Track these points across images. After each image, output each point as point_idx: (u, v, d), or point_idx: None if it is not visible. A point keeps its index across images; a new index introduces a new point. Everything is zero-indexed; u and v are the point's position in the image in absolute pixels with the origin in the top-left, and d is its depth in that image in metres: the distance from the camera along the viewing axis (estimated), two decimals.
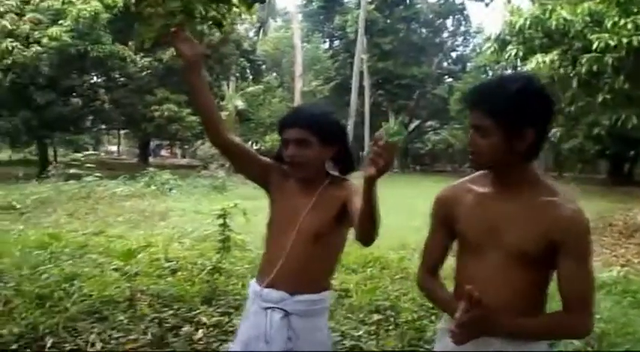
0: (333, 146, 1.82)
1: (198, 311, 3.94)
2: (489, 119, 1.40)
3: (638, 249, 7.74)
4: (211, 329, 3.66)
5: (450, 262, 1.69)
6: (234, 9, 3.66)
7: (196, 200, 12.16)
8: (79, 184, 11.46)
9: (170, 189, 13.45)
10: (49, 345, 3.21)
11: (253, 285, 1.89)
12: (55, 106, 14.80)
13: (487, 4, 31.54)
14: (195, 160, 25.46)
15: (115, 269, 5.02)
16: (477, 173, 1.60)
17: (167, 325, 3.68)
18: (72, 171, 11.52)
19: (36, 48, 13.60)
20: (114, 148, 44.56)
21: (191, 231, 7.56)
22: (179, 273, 4.98)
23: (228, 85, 25.05)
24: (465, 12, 35.21)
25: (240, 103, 23.75)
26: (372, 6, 28.79)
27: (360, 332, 3.65)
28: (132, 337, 3.44)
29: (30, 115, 14.58)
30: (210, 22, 3.10)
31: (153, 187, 13.28)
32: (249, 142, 24.82)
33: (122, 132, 35.55)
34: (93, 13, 13.89)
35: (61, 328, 3.44)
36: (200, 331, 3.60)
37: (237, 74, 25.15)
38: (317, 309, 1.82)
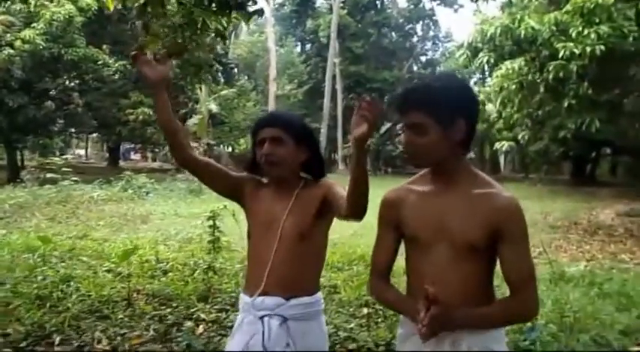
0: (306, 149, 1.84)
1: (195, 308, 4.10)
2: (424, 115, 1.46)
3: (601, 245, 8.17)
4: (210, 324, 3.83)
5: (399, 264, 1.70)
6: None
7: (174, 203, 12.20)
8: (55, 188, 11.40)
9: (147, 193, 13.43)
10: (57, 342, 3.33)
11: (244, 298, 1.85)
12: (28, 110, 14.56)
13: (456, 10, 32.30)
14: (167, 163, 25.29)
15: (108, 271, 5.15)
16: (417, 175, 1.65)
17: (168, 322, 3.83)
18: (49, 175, 11.40)
19: (8, 51, 13.38)
20: (81, 152, 43.74)
21: (175, 233, 7.67)
22: (171, 274, 5.12)
23: (200, 88, 25.00)
24: (434, 17, 36.09)
25: (214, 107, 23.74)
26: (345, 11, 29.18)
27: (352, 325, 3.87)
28: (136, 333, 3.59)
29: (1, 119, 14.32)
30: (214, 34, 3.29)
31: (130, 191, 13.25)
32: (223, 146, 24.85)
33: (90, 135, 35.00)
34: (67, 16, 13.76)
35: (67, 326, 3.57)
36: (201, 326, 3.77)
37: (210, 77, 25.12)
38: (312, 312, 1.81)
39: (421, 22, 36.14)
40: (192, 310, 4.07)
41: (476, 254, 1.48)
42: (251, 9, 3.66)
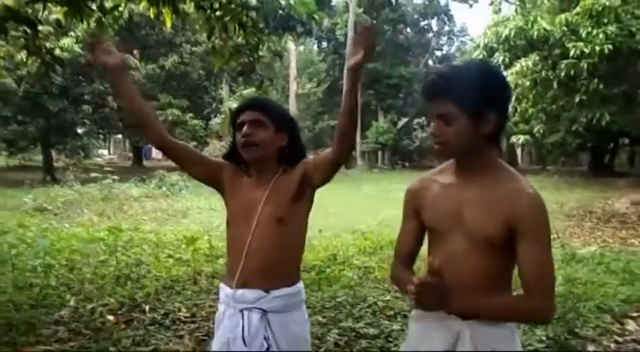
0: (285, 133, 1.80)
1: None
2: (453, 105, 1.40)
3: (613, 232, 8.65)
4: None
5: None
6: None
7: (206, 199, 12.92)
8: (98, 187, 12.23)
9: (180, 190, 14.20)
10: (147, 310, 4.03)
11: (224, 289, 1.81)
12: (67, 113, 15.46)
13: (471, 6, 32.58)
14: None
15: (168, 256, 5.87)
16: (443, 164, 1.62)
17: None
18: (91, 174, 12.22)
19: (48, 58, 14.21)
20: (104, 151, 44.98)
21: (217, 225, 8.37)
22: (222, 259, 5.82)
23: (221, 87, 25.73)
24: (450, 12, 36.38)
25: (235, 106, 24.40)
26: (361, 9, 29.68)
27: (388, 297, 4.51)
28: (208, 303, 4.27)
29: (43, 122, 15.23)
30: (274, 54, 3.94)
31: (164, 188, 14.04)
32: None
33: (114, 136, 36.13)
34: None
35: (151, 298, 4.28)
36: None
37: (229, 77, 25.79)
38: (294, 303, 1.78)
39: (436, 18, 36.52)
40: None
41: (492, 249, 1.44)
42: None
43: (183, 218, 9.82)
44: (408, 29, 35.29)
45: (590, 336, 3.69)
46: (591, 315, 4.02)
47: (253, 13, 4.14)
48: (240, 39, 4.11)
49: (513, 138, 21.18)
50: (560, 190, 14.88)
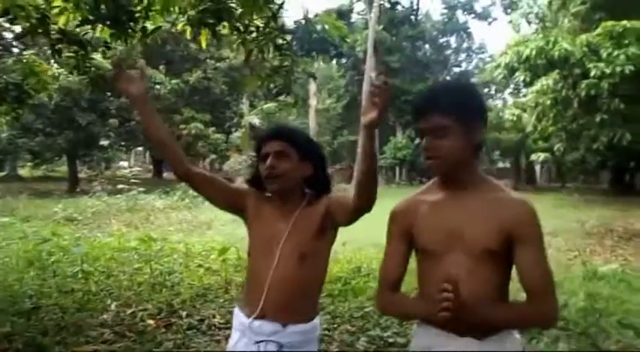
0: (310, 163, 1.79)
1: None
2: (448, 118, 1.43)
3: (635, 250, 8.61)
4: None
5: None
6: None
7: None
8: (125, 198, 12.57)
9: (203, 202, 14.48)
10: (184, 316, 4.24)
11: (239, 316, 1.79)
12: (94, 127, 15.95)
13: (490, 23, 32.78)
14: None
15: (198, 266, 6.09)
16: (425, 185, 1.64)
17: None
18: (119, 186, 12.57)
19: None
20: (124, 163, 45.72)
21: (241, 237, 8.57)
22: None
23: (243, 102, 26.15)
24: (469, 30, 36.60)
25: (256, 121, 24.79)
26: (381, 27, 30.03)
27: None
28: None
29: (71, 135, 15.72)
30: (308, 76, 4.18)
31: (187, 200, 14.33)
32: None
33: (135, 149, 36.74)
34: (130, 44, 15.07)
35: (187, 304, 4.49)
36: None
37: (249, 92, 26.22)
38: (310, 339, 1.78)
39: (455, 35, 36.76)
40: None
41: (492, 259, 1.45)
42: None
43: (207, 229, 10.08)
44: (427, 46, 35.55)
45: (613, 350, 3.80)
46: (613, 330, 4.11)
47: (288, 37, 4.37)
48: (275, 61, 4.33)
49: (533, 156, 21.15)
50: (580, 208, 14.82)
